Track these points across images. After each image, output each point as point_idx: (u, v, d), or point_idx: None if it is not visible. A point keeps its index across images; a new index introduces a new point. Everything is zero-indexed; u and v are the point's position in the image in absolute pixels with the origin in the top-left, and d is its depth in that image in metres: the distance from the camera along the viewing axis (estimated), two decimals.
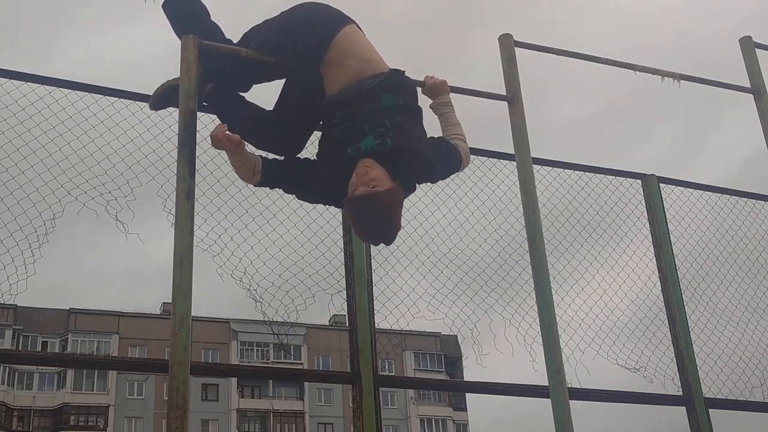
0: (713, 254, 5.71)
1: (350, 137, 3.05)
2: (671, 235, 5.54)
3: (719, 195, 5.91)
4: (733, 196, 5.92)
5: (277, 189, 3.36)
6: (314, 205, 3.79)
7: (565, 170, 5.48)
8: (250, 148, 3.29)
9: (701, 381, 5.15)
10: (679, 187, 5.79)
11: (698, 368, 5.17)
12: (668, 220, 5.58)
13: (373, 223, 3.02)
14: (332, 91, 3.19)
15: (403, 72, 3.26)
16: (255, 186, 3.35)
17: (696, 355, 5.21)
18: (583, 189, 5.49)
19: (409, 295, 4.62)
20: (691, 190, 5.82)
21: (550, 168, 5.42)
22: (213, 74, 3.39)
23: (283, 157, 3.33)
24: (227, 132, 3.15)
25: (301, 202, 3.50)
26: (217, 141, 3.15)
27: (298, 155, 3.34)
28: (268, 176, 3.24)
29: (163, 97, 3.47)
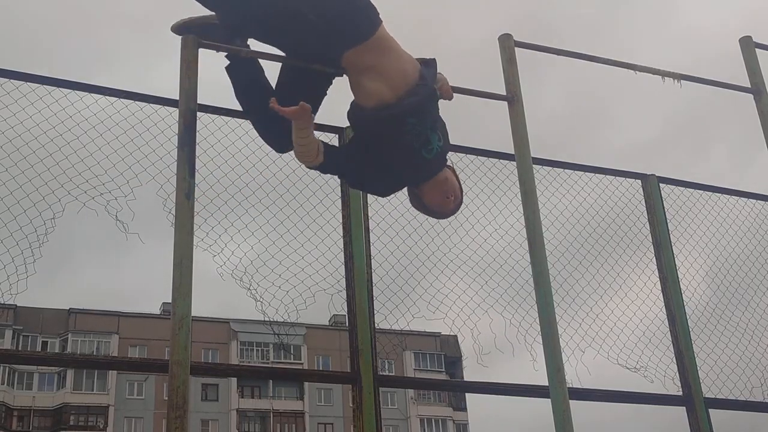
0: (713, 254, 5.71)
1: (422, 139, 3.14)
2: (671, 235, 5.54)
3: (719, 195, 5.91)
4: (734, 196, 5.92)
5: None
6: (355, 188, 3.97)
7: (565, 170, 5.48)
8: None
9: (701, 381, 5.15)
10: (679, 187, 5.79)
11: (698, 368, 5.17)
12: (668, 220, 5.58)
13: None
14: (379, 91, 3.09)
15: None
16: (313, 168, 3.23)
17: (696, 355, 5.21)
18: (583, 189, 5.49)
19: (409, 295, 4.63)
20: (691, 190, 5.82)
21: (550, 168, 5.42)
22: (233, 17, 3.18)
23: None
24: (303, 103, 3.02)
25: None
26: (301, 111, 3.00)
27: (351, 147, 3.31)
28: (330, 161, 3.17)
29: (186, 28, 3.26)
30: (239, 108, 3.56)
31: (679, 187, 5.80)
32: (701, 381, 5.16)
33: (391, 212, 4.69)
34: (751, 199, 5.93)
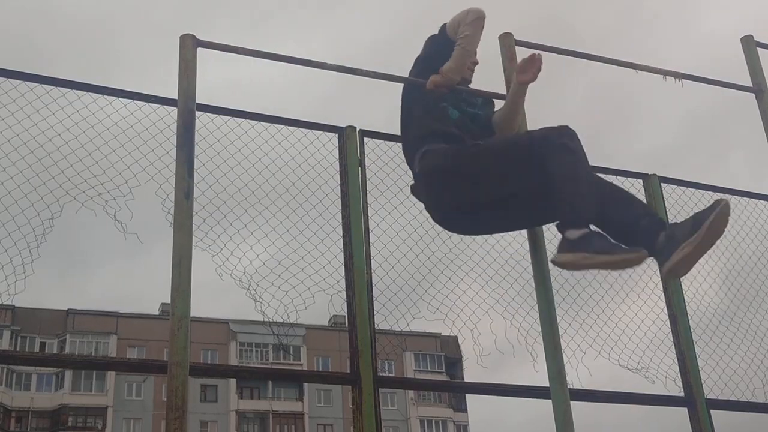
0: (714, 254, 5.69)
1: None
2: None
3: (719, 195, 5.89)
4: (735, 196, 5.90)
5: None
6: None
7: None
8: None
9: (703, 382, 5.13)
10: (680, 187, 5.77)
11: (700, 369, 5.15)
12: (669, 221, 5.55)
13: None
14: None
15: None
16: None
17: (698, 356, 5.19)
18: None
19: (409, 296, 4.60)
20: (693, 190, 5.80)
21: None
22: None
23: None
24: None
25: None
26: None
27: None
28: None
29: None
30: (238, 108, 3.56)
31: (681, 187, 5.78)
32: (703, 382, 5.13)
33: (391, 212, 4.67)
34: (753, 199, 5.92)
